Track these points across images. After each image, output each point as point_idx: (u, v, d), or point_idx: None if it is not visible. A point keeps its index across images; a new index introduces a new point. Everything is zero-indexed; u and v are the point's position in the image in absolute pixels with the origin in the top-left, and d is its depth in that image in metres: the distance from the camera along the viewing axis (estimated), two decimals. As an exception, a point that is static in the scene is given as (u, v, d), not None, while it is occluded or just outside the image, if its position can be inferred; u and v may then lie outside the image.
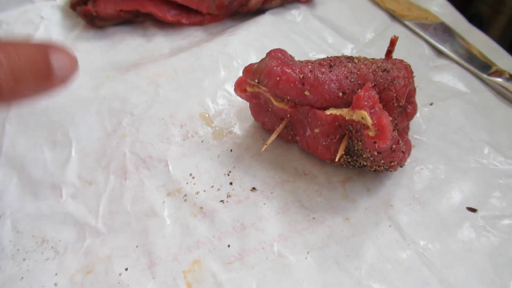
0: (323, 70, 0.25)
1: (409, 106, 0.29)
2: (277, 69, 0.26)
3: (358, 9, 0.41)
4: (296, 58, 0.36)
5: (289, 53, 0.37)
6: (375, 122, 0.23)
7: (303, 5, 0.42)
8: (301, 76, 0.25)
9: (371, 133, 0.23)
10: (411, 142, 0.30)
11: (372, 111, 0.23)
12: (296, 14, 0.41)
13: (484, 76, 0.34)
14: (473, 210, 0.27)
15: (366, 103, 0.23)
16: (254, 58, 0.37)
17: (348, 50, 0.38)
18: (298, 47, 0.37)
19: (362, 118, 0.23)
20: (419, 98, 0.33)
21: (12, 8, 0.42)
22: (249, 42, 0.37)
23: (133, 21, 0.40)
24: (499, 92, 0.34)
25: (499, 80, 0.34)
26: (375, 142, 0.23)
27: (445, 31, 0.38)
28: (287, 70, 0.25)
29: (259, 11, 0.41)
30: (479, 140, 0.30)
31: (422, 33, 0.38)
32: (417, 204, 0.27)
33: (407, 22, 0.39)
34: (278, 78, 0.25)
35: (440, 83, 0.35)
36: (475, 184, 0.28)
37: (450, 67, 0.36)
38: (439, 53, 0.37)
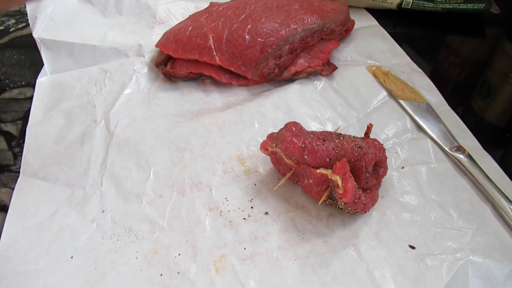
0: (318, 143, 0.39)
1: (381, 169, 0.42)
2: (288, 138, 0.39)
3: (365, 86, 0.54)
4: (311, 120, 0.50)
5: (306, 115, 0.51)
6: (343, 185, 0.36)
7: (324, 78, 0.55)
8: (303, 146, 0.39)
9: (340, 191, 0.36)
10: (381, 194, 0.43)
11: (343, 177, 0.36)
12: (318, 84, 0.54)
13: (448, 150, 0.46)
14: (412, 247, 0.39)
15: (340, 171, 0.36)
16: (281, 117, 0.50)
17: (352, 117, 0.51)
18: (313, 111, 0.51)
19: (336, 180, 0.36)
20: (396, 162, 0.46)
21: (114, 60, 0.58)
22: (278, 105, 0.51)
23: (197, 79, 0.55)
24: (457, 165, 0.45)
25: (459, 156, 0.46)
26: (341, 198, 0.36)
27: (427, 111, 0.50)
28: (294, 140, 0.39)
29: (289, 80, 0.55)
30: (430, 199, 0.42)
31: (409, 111, 0.51)
32: (375, 239, 0.40)
33: (400, 101, 0.52)
34: (288, 145, 0.39)
35: (414, 152, 0.47)
36: (418, 230, 0.40)
37: (424, 140, 0.48)
38: (419, 128, 0.49)
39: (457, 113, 0.52)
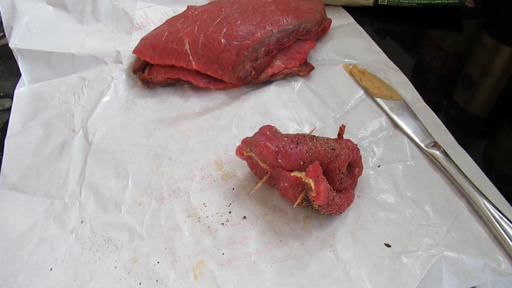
0: (292, 146, 0.39)
1: (356, 169, 0.42)
2: (262, 143, 0.40)
3: (341, 84, 0.55)
4: (289, 122, 0.50)
5: (284, 117, 0.51)
6: (316, 187, 0.36)
7: (302, 78, 0.55)
8: (277, 149, 0.39)
9: (313, 194, 0.37)
10: (357, 194, 0.43)
11: (316, 179, 0.37)
12: (295, 85, 0.55)
13: (423, 147, 0.47)
14: (388, 245, 0.40)
15: (312, 174, 0.37)
16: (259, 120, 0.51)
17: (329, 117, 0.51)
18: (291, 113, 0.51)
19: (309, 183, 0.37)
20: (372, 161, 0.46)
21: (92, 67, 0.58)
22: (256, 108, 0.52)
23: (176, 84, 0.56)
24: (432, 161, 0.46)
25: (435, 152, 0.46)
26: (313, 201, 0.36)
27: (403, 108, 0.51)
28: (268, 144, 0.39)
29: (267, 82, 0.55)
30: (406, 197, 0.43)
31: (385, 108, 0.51)
32: (351, 238, 0.40)
33: (376, 99, 0.52)
34: (262, 149, 0.39)
35: (390, 150, 0.47)
36: (394, 228, 0.41)
37: (401, 137, 0.48)
38: (395, 125, 0.50)
39: (441, 106, 0.52)
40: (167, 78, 0.54)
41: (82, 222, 0.43)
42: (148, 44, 0.55)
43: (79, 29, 0.62)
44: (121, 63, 0.59)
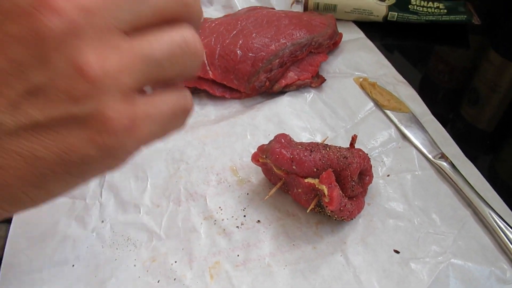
0: (306, 154, 0.41)
1: (366, 177, 0.44)
2: (277, 150, 0.41)
3: (352, 96, 0.57)
4: (301, 131, 0.52)
5: (296, 127, 0.53)
6: (329, 194, 0.38)
7: (314, 90, 0.58)
8: (291, 157, 0.41)
9: (326, 200, 0.38)
10: (367, 202, 0.45)
11: (329, 186, 0.39)
12: (307, 96, 0.57)
13: (431, 158, 0.49)
14: (397, 252, 0.41)
15: (326, 181, 0.39)
16: (272, 128, 0.53)
17: (340, 127, 0.53)
18: (303, 123, 0.53)
19: (323, 189, 0.39)
20: (381, 170, 0.48)
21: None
22: (269, 117, 0.54)
23: (192, 93, 0.58)
24: (440, 172, 0.48)
25: (442, 163, 0.48)
26: (327, 206, 0.38)
27: (411, 121, 0.53)
28: (283, 151, 0.41)
29: (280, 92, 0.57)
30: (414, 205, 0.45)
31: (394, 120, 0.53)
32: (362, 244, 0.42)
33: (386, 111, 0.54)
34: (277, 156, 0.41)
35: (399, 160, 0.49)
36: (403, 235, 0.42)
37: (409, 149, 0.50)
38: (404, 137, 0.52)
39: (448, 120, 0.54)
40: (184, 86, 0.56)
41: (102, 221, 0.45)
42: (167, 54, 0.57)
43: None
44: (140, 71, 0.61)
